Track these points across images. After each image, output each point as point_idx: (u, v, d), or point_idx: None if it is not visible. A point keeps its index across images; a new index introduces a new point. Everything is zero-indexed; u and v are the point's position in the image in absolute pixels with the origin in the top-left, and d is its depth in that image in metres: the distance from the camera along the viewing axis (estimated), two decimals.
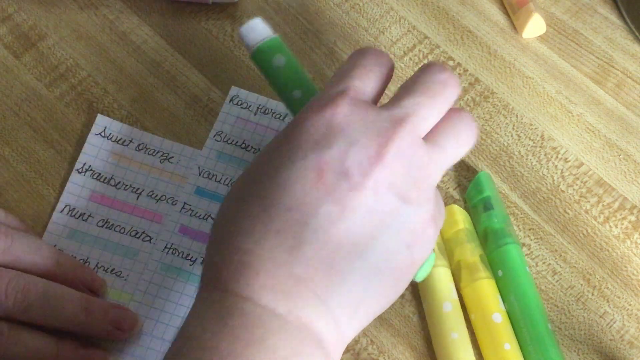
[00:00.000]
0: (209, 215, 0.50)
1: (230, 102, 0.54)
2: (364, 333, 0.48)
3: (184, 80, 0.55)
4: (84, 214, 0.50)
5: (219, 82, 0.55)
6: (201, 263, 0.49)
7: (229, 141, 0.52)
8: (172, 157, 0.52)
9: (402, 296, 0.49)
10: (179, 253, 0.49)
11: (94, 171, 0.51)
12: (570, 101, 0.54)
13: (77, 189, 0.51)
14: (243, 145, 0.52)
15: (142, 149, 0.52)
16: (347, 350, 0.48)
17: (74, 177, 0.51)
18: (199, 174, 0.51)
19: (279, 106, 0.54)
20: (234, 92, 0.54)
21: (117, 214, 0.50)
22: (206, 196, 0.51)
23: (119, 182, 0.51)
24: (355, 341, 0.48)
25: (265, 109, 0.53)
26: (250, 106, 0.53)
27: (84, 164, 0.51)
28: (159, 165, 0.52)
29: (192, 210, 0.50)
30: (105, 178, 0.51)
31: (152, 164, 0.52)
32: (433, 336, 0.47)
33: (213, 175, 0.52)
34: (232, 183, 0.51)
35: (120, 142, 0.52)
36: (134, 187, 0.51)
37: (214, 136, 0.53)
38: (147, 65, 0.55)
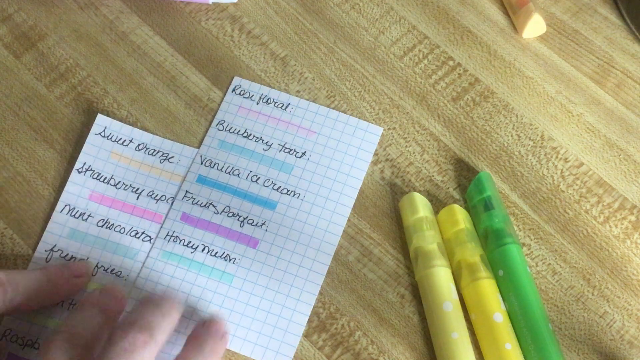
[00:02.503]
0: (211, 203, 0.51)
1: (232, 91, 0.54)
2: (364, 333, 0.48)
3: (184, 80, 0.55)
4: (84, 213, 0.50)
5: (219, 82, 0.55)
6: (202, 251, 0.49)
7: (231, 130, 0.53)
8: (172, 157, 0.52)
9: (402, 296, 0.49)
10: (180, 240, 0.50)
11: (93, 171, 0.51)
12: (570, 101, 0.54)
13: (77, 189, 0.51)
14: (245, 134, 0.53)
15: (142, 149, 0.52)
16: (347, 350, 0.48)
17: (74, 176, 0.51)
18: (201, 162, 0.52)
19: (281, 96, 0.54)
20: (237, 82, 0.54)
21: (117, 214, 0.50)
22: (208, 184, 0.51)
23: (119, 182, 0.51)
24: (356, 341, 0.48)
25: (268, 99, 0.54)
26: (252, 96, 0.54)
27: (84, 164, 0.51)
28: (159, 165, 0.52)
29: (194, 198, 0.51)
30: (105, 178, 0.51)
31: (152, 163, 0.52)
32: (433, 336, 0.47)
33: (215, 164, 0.52)
34: (234, 171, 0.51)
35: (120, 142, 0.52)
36: (134, 187, 0.51)
37: (216, 125, 0.53)
38: (147, 65, 0.55)
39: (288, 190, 0.51)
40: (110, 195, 0.51)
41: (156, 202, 0.51)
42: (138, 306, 0.44)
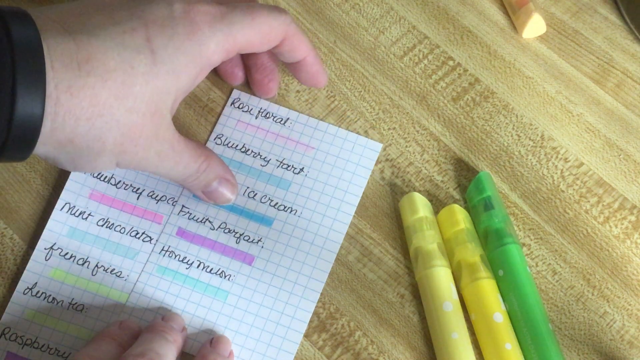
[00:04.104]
0: (207, 219, 0.50)
1: (231, 105, 0.54)
2: (364, 333, 0.48)
3: None
4: (84, 212, 0.50)
5: (219, 82, 0.55)
6: (197, 267, 0.49)
7: (229, 145, 0.52)
8: None
9: (402, 296, 0.49)
10: (175, 256, 0.49)
11: (99, 173, 0.51)
12: (570, 101, 0.54)
13: (77, 187, 0.51)
14: (243, 149, 0.52)
15: None
16: (347, 350, 0.48)
17: (75, 174, 0.51)
18: None
19: (280, 110, 0.54)
20: (236, 96, 0.54)
21: (117, 214, 0.50)
22: None
23: (120, 182, 0.51)
24: (356, 341, 0.48)
25: (267, 113, 0.53)
26: (251, 110, 0.53)
27: None
28: None
29: (190, 214, 0.50)
30: (106, 177, 0.51)
31: None
32: (433, 336, 0.47)
33: None
34: None
35: None
36: (135, 187, 0.51)
37: (214, 139, 0.53)
38: None
39: (285, 207, 0.51)
40: (111, 195, 0.51)
41: (157, 203, 0.51)
42: (144, 335, 0.44)
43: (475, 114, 0.54)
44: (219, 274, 0.49)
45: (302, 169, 0.52)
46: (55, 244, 0.49)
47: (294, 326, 0.48)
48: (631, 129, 0.54)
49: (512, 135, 0.53)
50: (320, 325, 0.48)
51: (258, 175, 0.52)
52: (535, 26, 0.55)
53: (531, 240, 0.51)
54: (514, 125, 0.54)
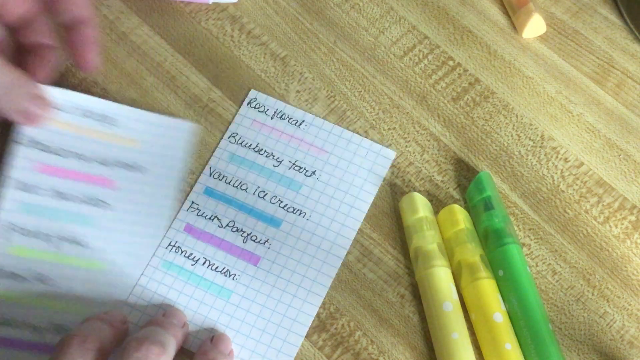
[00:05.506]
0: (215, 217, 0.50)
1: (247, 104, 0.54)
2: (364, 333, 0.48)
3: (184, 80, 0.55)
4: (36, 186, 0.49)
5: (219, 82, 0.55)
6: (202, 264, 0.49)
7: (243, 144, 0.53)
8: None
9: (402, 296, 0.49)
10: (182, 252, 0.50)
11: (42, 144, 0.50)
12: (570, 101, 0.54)
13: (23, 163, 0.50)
14: (256, 149, 0.52)
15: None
16: (347, 350, 0.48)
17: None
18: (210, 174, 0.51)
19: (296, 112, 0.53)
20: (252, 95, 0.54)
21: (68, 183, 0.49)
22: (214, 197, 0.51)
23: (68, 151, 0.50)
24: (356, 341, 0.48)
25: (282, 114, 0.53)
26: (267, 110, 0.53)
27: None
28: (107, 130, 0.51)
29: (199, 210, 0.51)
30: (50, 148, 0.50)
31: (99, 128, 0.51)
32: (433, 336, 0.47)
33: (223, 177, 0.52)
34: (241, 185, 0.51)
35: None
36: (80, 154, 0.50)
37: (228, 137, 0.53)
38: (147, 65, 0.55)
39: (294, 209, 0.51)
40: (61, 166, 0.50)
41: (107, 167, 0.50)
42: (145, 327, 0.45)
43: (475, 114, 0.54)
44: (224, 273, 0.49)
45: (314, 172, 0.52)
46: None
47: (295, 329, 0.48)
48: (631, 129, 0.54)
49: (512, 135, 0.53)
50: (320, 325, 0.48)
51: (269, 175, 0.52)
52: (535, 26, 0.55)
53: (531, 240, 0.51)
54: (514, 125, 0.54)
